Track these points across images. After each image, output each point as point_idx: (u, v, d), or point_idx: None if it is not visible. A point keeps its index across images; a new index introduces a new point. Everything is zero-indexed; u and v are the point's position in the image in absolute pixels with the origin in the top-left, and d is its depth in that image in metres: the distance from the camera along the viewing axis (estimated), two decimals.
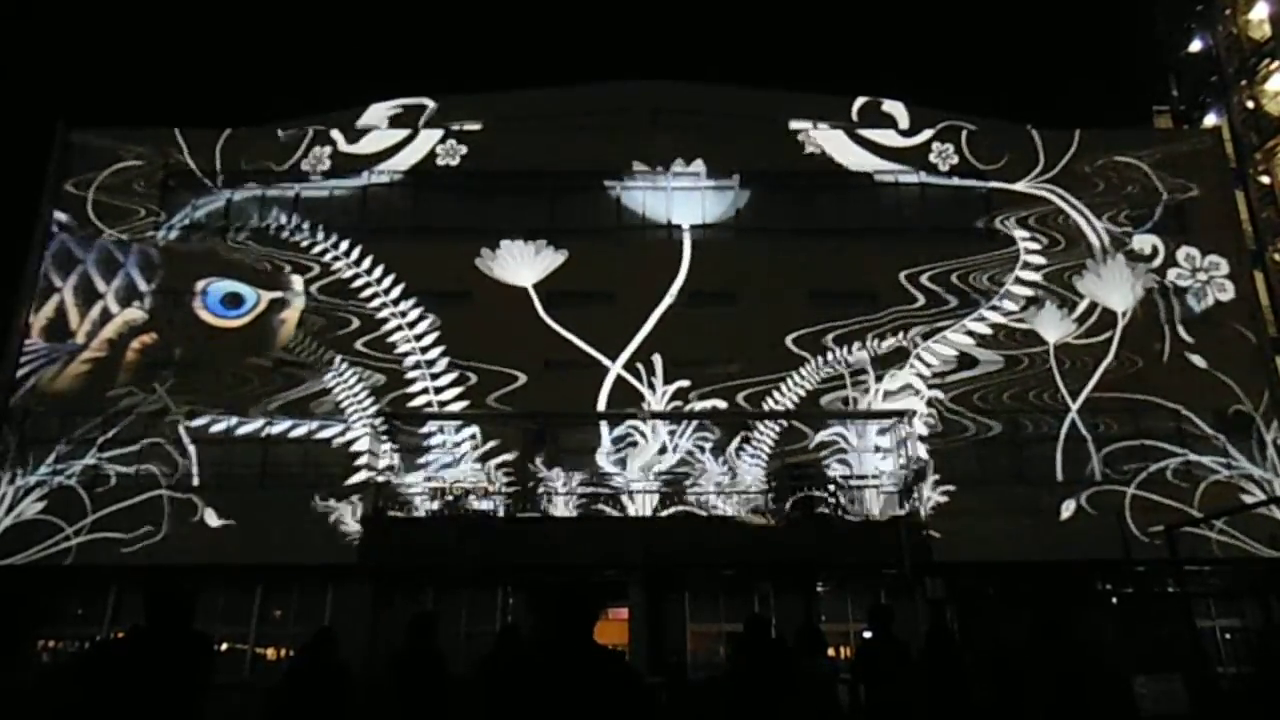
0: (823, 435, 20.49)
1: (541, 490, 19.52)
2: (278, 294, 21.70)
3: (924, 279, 21.86)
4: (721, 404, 20.64)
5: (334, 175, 22.82)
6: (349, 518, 19.23)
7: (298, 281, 21.78)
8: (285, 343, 21.22)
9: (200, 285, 21.69)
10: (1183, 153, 23.48)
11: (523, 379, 20.67)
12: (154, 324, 21.40)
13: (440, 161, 22.92)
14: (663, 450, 20.17)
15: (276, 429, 20.31)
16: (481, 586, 19.16)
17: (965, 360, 21.11)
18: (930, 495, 19.58)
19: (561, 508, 19.48)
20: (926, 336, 21.29)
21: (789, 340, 21.12)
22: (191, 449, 20.01)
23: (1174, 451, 20.31)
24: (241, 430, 20.25)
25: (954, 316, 21.51)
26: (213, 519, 19.22)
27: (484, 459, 19.96)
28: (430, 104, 23.64)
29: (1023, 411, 20.67)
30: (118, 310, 21.49)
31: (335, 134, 23.12)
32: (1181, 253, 22.30)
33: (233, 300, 21.58)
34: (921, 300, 21.65)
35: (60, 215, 22.31)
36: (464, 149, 23.00)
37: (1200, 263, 22.22)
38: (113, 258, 21.97)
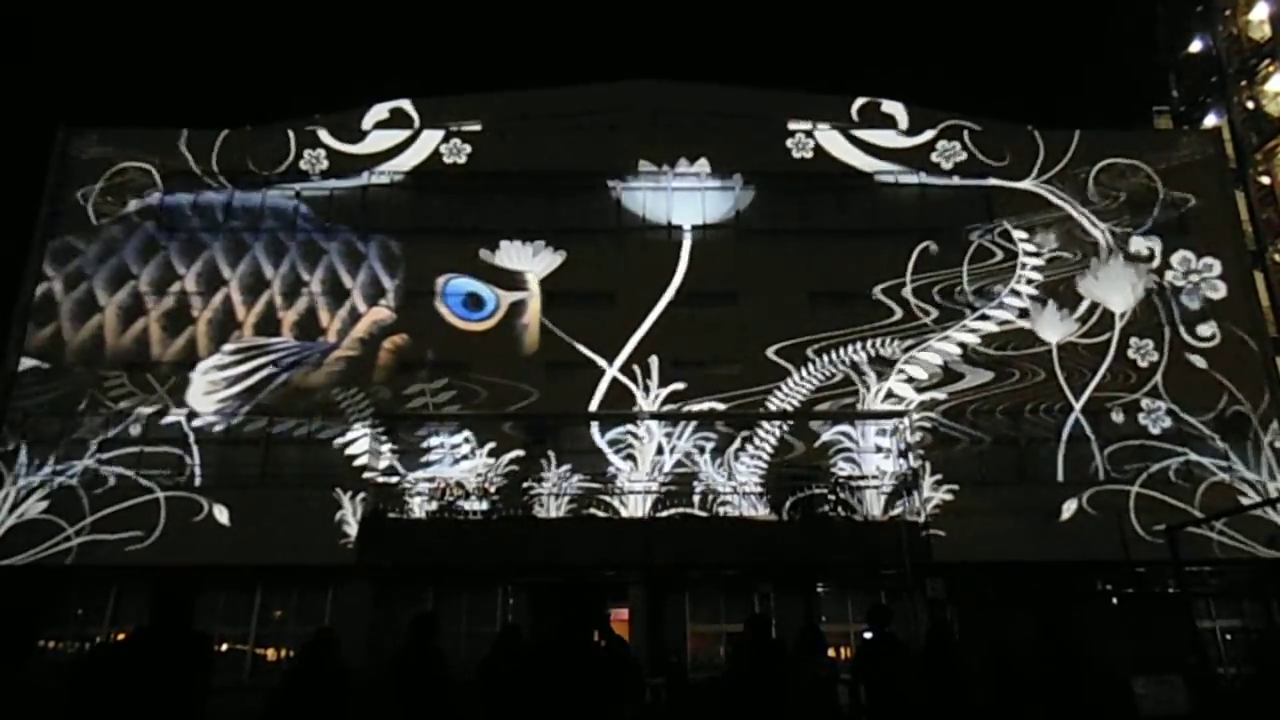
0: (824, 436, 20.49)
1: (541, 491, 19.53)
2: (517, 295, 21.60)
3: (924, 280, 21.86)
4: (720, 405, 20.64)
5: (334, 175, 22.81)
6: (349, 518, 19.23)
7: (533, 281, 21.70)
8: (533, 347, 21.13)
9: (440, 283, 21.60)
10: (1183, 153, 23.48)
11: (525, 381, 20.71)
12: (403, 324, 21.28)
13: (447, 160, 22.92)
14: (659, 451, 20.17)
15: (277, 429, 20.31)
16: (481, 587, 19.17)
17: (966, 361, 21.10)
18: (931, 495, 19.58)
19: (561, 508, 19.49)
20: (927, 337, 21.29)
21: (789, 341, 21.12)
22: (195, 448, 20.01)
23: (1174, 452, 20.31)
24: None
25: (954, 317, 21.51)
26: (223, 517, 19.20)
27: (484, 459, 19.95)
28: (430, 105, 23.62)
29: (1023, 412, 20.66)
30: (365, 309, 21.41)
31: (333, 135, 23.11)
32: (1181, 254, 22.30)
33: (474, 302, 21.43)
34: (922, 301, 21.65)
35: (303, 208, 22.29)
36: (469, 147, 23.01)
37: (1200, 263, 22.22)
38: (355, 250, 21.90)
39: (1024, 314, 21.58)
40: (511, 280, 21.72)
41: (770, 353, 21.03)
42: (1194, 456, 20.29)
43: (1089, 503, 19.73)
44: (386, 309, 21.39)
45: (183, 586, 4.60)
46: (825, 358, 21.05)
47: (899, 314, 21.52)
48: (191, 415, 20.29)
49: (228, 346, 20.93)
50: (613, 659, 4.03)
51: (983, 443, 20.42)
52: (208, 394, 20.46)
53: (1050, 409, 20.67)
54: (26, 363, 20.61)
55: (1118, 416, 20.64)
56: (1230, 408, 20.77)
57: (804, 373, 20.90)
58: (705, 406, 20.60)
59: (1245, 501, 19.33)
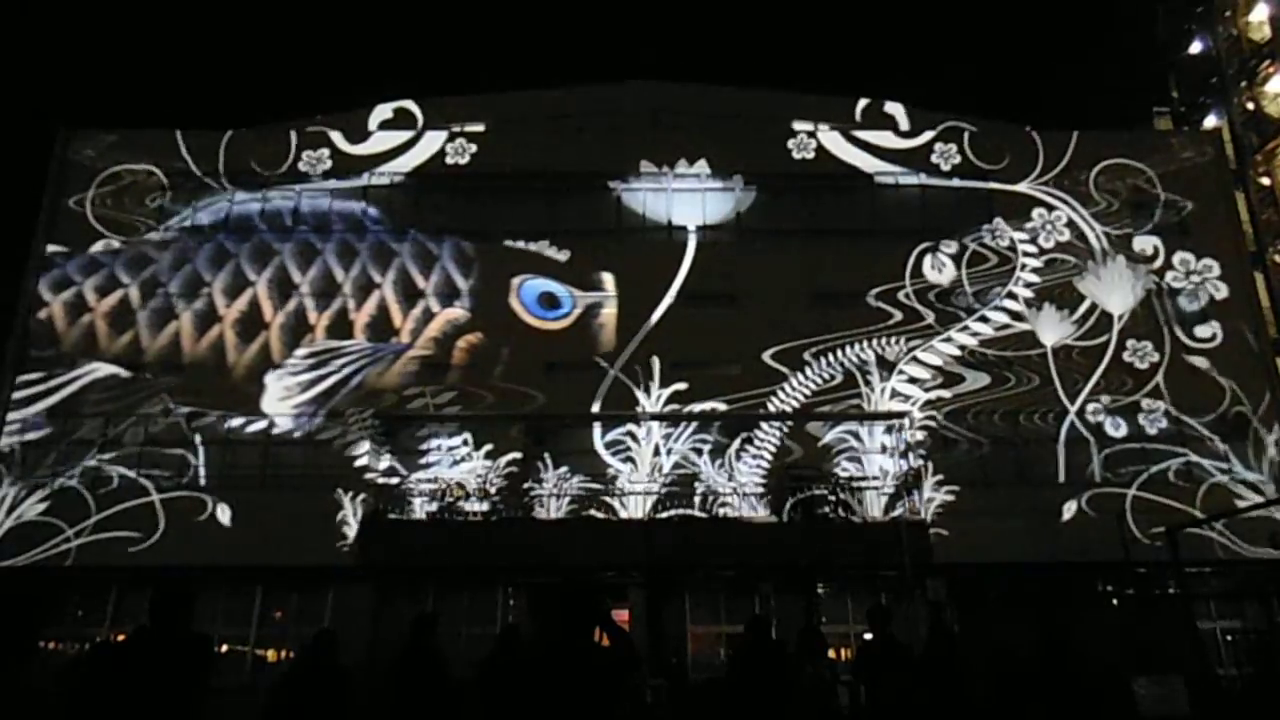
0: (826, 437, 20.48)
1: (541, 492, 19.53)
2: (594, 296, 21.58)
3: (924, 280, 21.86)
4: (722, 406, 20.64)
5: (336, 176, 22.81)
6: (350, 519, 19.23)
7: (610, 282, 21.69)
8: (609, 346, 21.11)
9: (515, 283, 21.58)
10: (1183, 155, 23.47)
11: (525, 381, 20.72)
12: (476, 323, 21.26)
13: (450, 160, 22.93)
14: (657, 453, 20.15)
15: (278, 429, 20.32)
16: (481, 588, 19.17)
17: (965, 363, 21.10)
18: (932, 496, 19.58)
19: (562, 510, 19.50)
20: (928, 338, 21.28)
21: (790, 342, 21.12)
22: (200, 449, 20.00)
23: (1175, 453, 20.29)
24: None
25: (955, 318, 21.51)
26: (225, 518, 19.20)
27: (484, 460, 19.95)
28: (432, 105, 23.63)
29: (1022, 413, 20.65)
30: (439, 309, 21.38)
31: (336, 134, 23.13)
32: (1181, 255, 22.30)
33: (549, 301, 21.38)
34: (922, 303, 21.64)
35: (372, 210, 22.30)
36: (473, 147, 23.02)
37: (1199, 264, 22.21)
38: (428, 252, 21.88)
39: (1023, 316, 21.56)
40: (589, 281, 21.69)
41: (771, 354, 21.03)
42: (1194, 457, 20.28)
43: (1089, 504, 19.73)
44: (460, 309, 21.34)
45: (181, 587, 4.60)
46: (826, 359, 21.05)
47: (899, 315, 21.51)
48: (270, 424, 20.22)
49: (300, 351, 20.89)
50: (615, 657, 4.02)
51: (983, 444, 20.41)
52: (283, 399, 20.41)
53: (1049, 410, 20.66)
54: (104, 369, 20.56)
55: (1117, 418, 20.62)
56: (1231, 409, 20.76)
57: (805, 374, 20.90)
58: (707, 407, 20.60)
59: (1245, 502, 19.31)
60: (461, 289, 21.58)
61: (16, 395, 20.35)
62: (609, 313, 21.42)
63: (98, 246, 21.86)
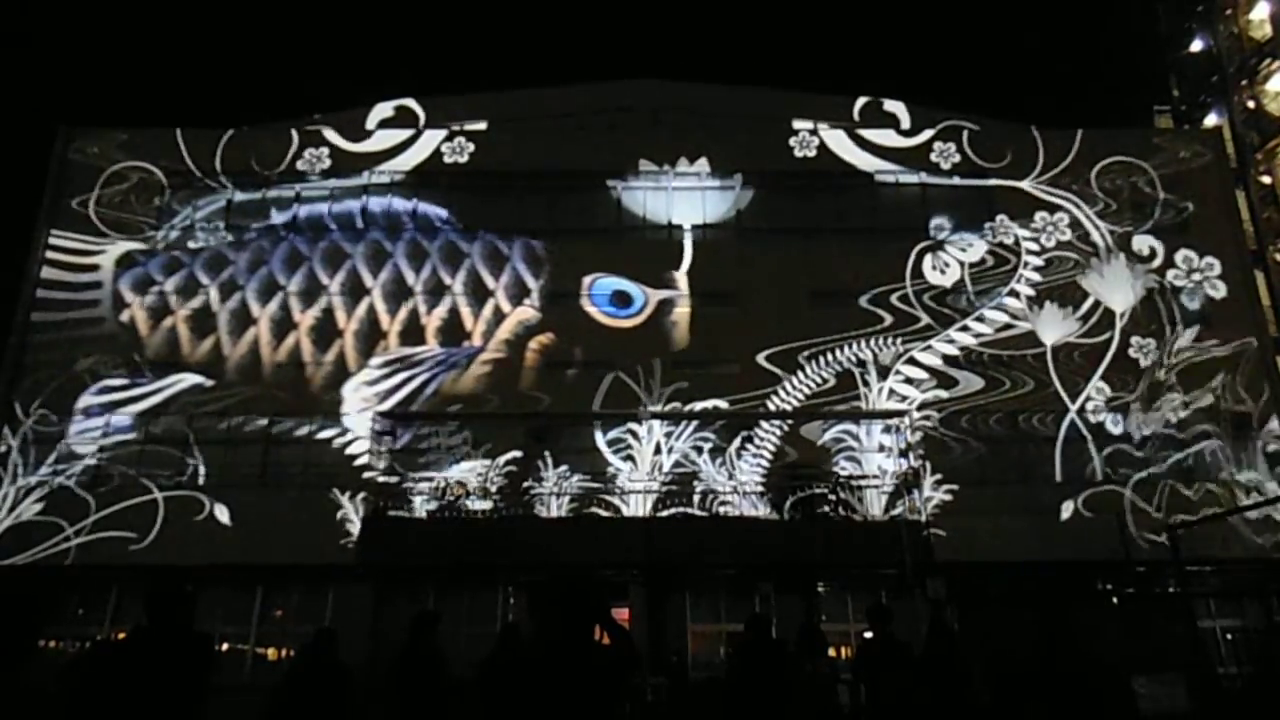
0: (826, 436, 20.47)
1: (542, 491, 19.54)
2: (666, 293, 21.51)
3: (925, 279, 21.85)
4: (722, 404, 20.64)
5: (336, 175, 22.80)
6: (351, 518, 19.23)
7: (682, 280, 21.64)
8: (682, 344, 21.06)
9: (587, 282, 21.56)
10: (1183, 153, 23.43)
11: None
12: (548, 323, 21.22)
13: (448, 159, 22.92)
14: (658, 451, 20.15)
15: (278, 429, 20.32)
16: (482, 586, 19.18)
17: (966, 361, 21.09)
18: (932, 495, 19.58)
19: (562, 508, 19.50)
20: (928, 337, 21.28)
21: (790, 341, 21.12)
22: (196, 448, 20.01)
23: (1174, 452, 20.28)
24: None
25: (955, 317, 21.50)
26: (224, 517, 19.20)
27: (484, 459, 19.95)
28: (432, 104, 23.62)
29: (1023, 412, 20.65)
30: (509, 309, 21.34)
31: (336, 133, 23.12)
32: (1182, 253, 22.28)
33: (622, 299, 21.32)
34: (922, 301, 21.63)
35: (440, 210, 22.27)
36: (471, 146, 23.01)
37: (1200, 263, 22.20)
38: (499, 253, 21.85)
39: (1024, 314, 21.56)
40: (660, 278, 21.67)
41: (771, 352, 21.03)
42: (1194, 456, 20.27)
43: (1089, 503, 19.73)
44: (531, 308, 21.30)
45: (177, 584, 4.59)
46: (826, 357, 21.04)
47: (899, 314, 21.50)
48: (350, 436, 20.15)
49: (375, 360, 20.83)
50: (615, 656, 4.02)
51: (983, 442, 20.41)
52: (362, 411, 20.33)
53: (1049, 409, 20.65)
54: (190, 379, 20.60)
55: (1117, 416, 20.62)
56: (1231, 408, 20.74)
57: (804, 373, 20.89)
58: (708, 405, 20.61)
59: (1246, 501, 19.31)
60: (532, 289, 21.54)
61: (102, 399, 20.30)
62: (682, 310, 21.38)
63: (130, 245, 21.85)
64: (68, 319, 21.19)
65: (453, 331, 21.14)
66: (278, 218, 22.29)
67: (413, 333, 21.16)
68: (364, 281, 21.64)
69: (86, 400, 20.30)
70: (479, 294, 21.49)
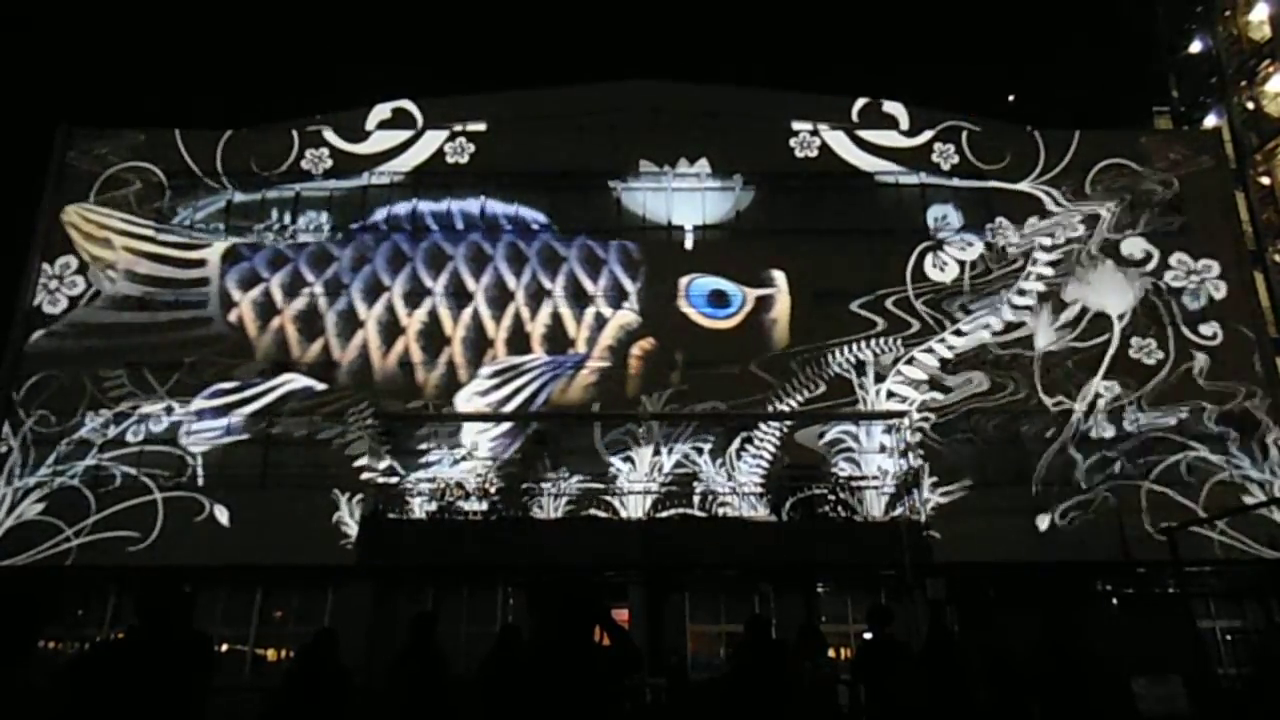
0: (827, 437, 20.46)
1: (542, 491, 19.52)
2: (764, 291, 21.40)
3: (925, 280, 21.84)
4: (721, 405, 20.63)
5: (336, 175, 22.79)
6: (349, 519, 19.22)
7: (780, 278, 21.54)
8: (782, 343, 21.00)
9: (684, 282, 21.48)
10: (1183, 154, 23.43)
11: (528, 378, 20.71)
12: (648, 327, 21.14)
13: (450, 160, 22.91)
14: (657, 452, 20.13)
15: (277, 429, 20.31)
16: (481, 587, 19.18)
17: (966, 362, 21.08)
18: (931, 496, 19.57)
19: (561, 509, 19.49)
20: (928, 338, 21.27)
21: (789, 341, 21.11)
22: (197, 449, 19.99)
23: (1174, 452, 20.27)
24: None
25: (955, 318, 21.49)
26: (224, 518, 19.18)
27: (484, 459, 19.94)
28: (432, 105, 23.61)
29: (1023, 412, 20.64)
30: (610, 314, 21.28)
31: (335, 134, 23.11)
32: (1181, 254, 22.27)
33: (719, 298, 21.19)
34: (923, 301, 21.63)
35: (539, 215, 22.24)
36: (472, 147, 23.00)
37: (1199, 264, 22.19)
38: (594, 255, 21.81)
39: (1025, 315, 21.54)
40: (758, 276, 21.59)
41: (770, 354, 21.03)
42: (1194, 456, 20.26)
43: (1089, 503, 19.71)
44: (631, 312, 21.27)
45: (171, 585, 4.57)
46: (825, 358, 21.02)
47: (898, 316, 21.49)
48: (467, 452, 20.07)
49: (485, 370, 20.80)
50: (615, 656, 4.02)
51: (983, 443, 20.40)
52: (480, 430, 20.24)
53: (1050, 409, 20.64)
54: (300, 381, 20.57)
55: (1117, 416, 20.61)
56: (1231, 407, 20.74)
57: (804, 374, 20.88)
58: (708, 406, 20.60)
59: (1247, 501, 19.31)
60: (630, 291, 21.51)
61: (215, 403, 20.34)
62: (781, 309, 21.28)
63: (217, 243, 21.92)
64: (175, 319, 21.12)
65: (557, 339, 21.10)
66: (379, 214, 22.25)
67: (518, 339, 21.10)
68: (467, 285, 21.57)
69: (200, 403, 20.28)
70: (579, 298, 21.45)
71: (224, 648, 18.67)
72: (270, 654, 19.10)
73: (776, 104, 23.84)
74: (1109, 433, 20.47)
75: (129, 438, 20.02)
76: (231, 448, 20.08)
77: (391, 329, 21.17)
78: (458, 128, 23.21)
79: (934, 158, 23.20)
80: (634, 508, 19.42)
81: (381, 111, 23.45)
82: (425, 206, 22.39)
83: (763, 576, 19.27)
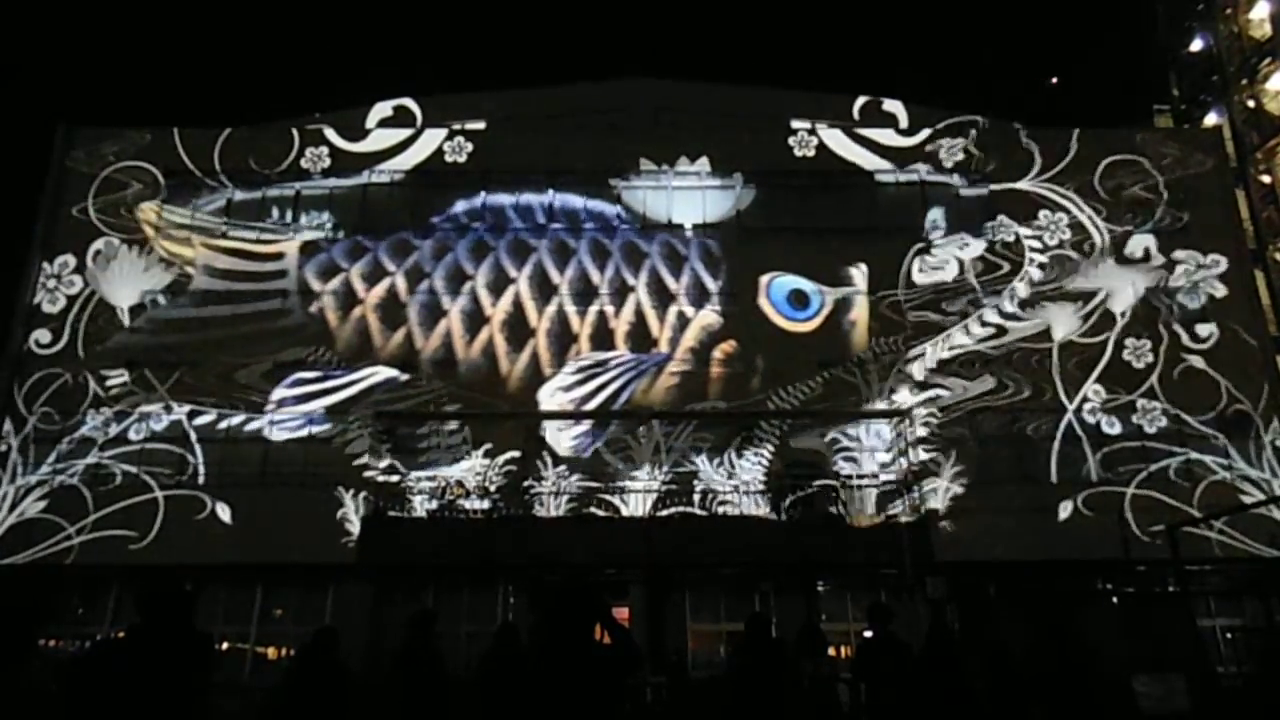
0: (828, 435, 20.45)
1: (541, 490, 19.52)
2: (843, 291, 21.37)
3: (925, 279, 21.82)
4: (721, 404, 20.62)
5: (335, 174, 22.77)
6: (350, 517, 19.22)
7: (859, 278, 21.52)
8: (862, 345, 20.95)
9: (764, 281, 21.44)
10: (1183, 152, 23.39)
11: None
12: (729, 329, 21.10)
13: (449, 158, 22.89)
14: (656, 450, 20.13)
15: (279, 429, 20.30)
16: (482, 586, 19.17)
17: (966, 361, 21.07)
18: (931, 495, 19.57)
19: (561, 508, 19.48)
20: (927, 337, 21.26)
21: (790, 341, 21.11)
22: (198, 447, 19.99)
23: (1174, 451, 20.28)
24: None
25: (955, 317, 21.47)
26: (225, 516, 19.16)
27: (484, 458, 19.93)
28: (432, 103, 23.59)
29: (1023, 412, 20.62)
30: (693, 314, 21.25)
31: (335, 133, 23.09)
32: (1182, 252, 22.25)
33: (799, 299, 21.13)
34: (923, 301, 21.62)
35: (616, 208, 22.25)
36: (470, 145, 22.99)
37: (1200, 262, 22.17)
38: (675, 252, 21.80)
39: (1023, 315, 21.53)
40: (837, 276, 21.55)
41: (771, 353, 21.02)
42: (1194, 455, 20.26)
43: (1089, 502, 19.71)
44: (713, 313, 21.24)
45: (171, 584, 4.57)
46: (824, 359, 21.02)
47: (899, 315, 21.47)
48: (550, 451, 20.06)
49: (569, 366, 20.80)
50: (616, 655, 4.02)
51: (983, 442, 20.39)
52: (560, 428, 20.26)
53: (1049, 409, 20.63)
54: (385, 372, 20.59)
55: (1116, 416, 20.60)
56: (1230, 406, 20.73)
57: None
58: (708, 405, 20.60)
59: (1246, 500, 19.30)
60: (711, 290, 21.48)
61: (295, 391, 20.37)
62: (861, 310, 21.25)
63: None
64: (255, 310, 21.19)
65: (640, 337, 21.10)
66: (460, 206, 22.24)
67: (602, 335, 21.10)
68: (552, 278, 21.59)
69: (280, 392, 20.29)
70: (662, 296, 21.44)
71: (224, 646, 18.69)
72: (270, 652, 19.11)
73: (777, 103, 23.81)
74: (1109, 431, 20.46)
75: (131, 435, 20.02)
76: (233, 446, 20.07)
77: (475, 319, 21.18)
78: (456, 126, 23.19)
79: (933, 156, 23.16)
80: (635, 506, 19.41)
81: (382, 110, 23.44)
82: (504, 199, 22.39)
83: (763, 575, 19.28)
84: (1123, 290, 21.77)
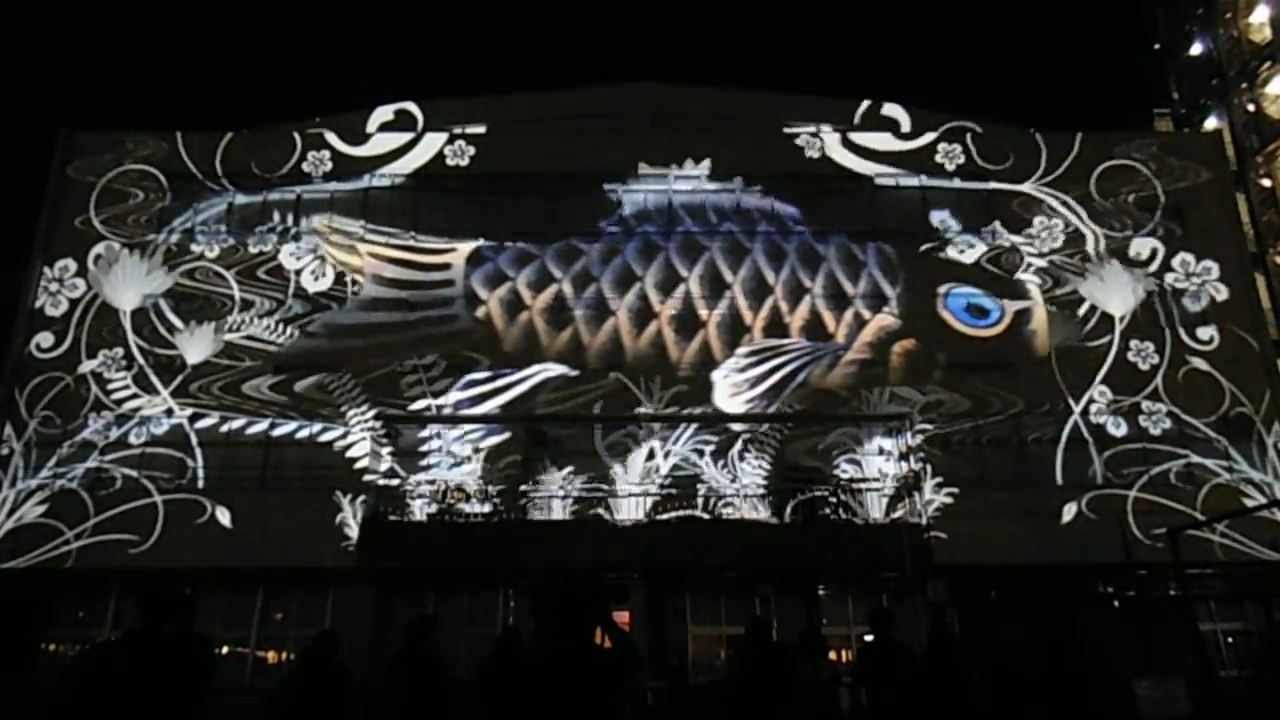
0: (829, 438, 20.45)
1: (542, 493, 19.52)
2: (1021, 304, 21.48)
3: (924, 279, 21.83)
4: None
5: (336, 178, 22.80)
6: (350, 521, 19.22)
7: (1035, 289, 21.65)
8: (1042, 352, 21.05)
9: (942, 290, 21.56)
10: (1183, 156, 23.40)
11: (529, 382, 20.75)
12: (908, 329, 21.21)
13: (450, 162, 22.92)
14: (651, 455, 20.10)
15: (279, 431, 20.30)
16: (482, 589, 19.17)
17: (967, 363, 21.05)
18: (933, 498, 19.55)
19: (562, 511, 19.48)
20: (928, 338, 21.24)
21: (790, 342, 21.12)
22: (198, 451, 19.99)
23: (1176, 454, 20.26)
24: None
25: (956, 318, 21.46)
26: (225, 519, 19.16)
27: (484, 462, 19.93)
28: (432, 107, 23.62)
29: (1024, 415, 20.61)
30: (869, 315, 21.35)
31: (336, 137, 23.13)
32: (1182, 256, 22.25)
33: (978, 311, 21.30)
34: (923, 301, 21.62)
35: (790, 209, 22.34)
36: (472, 149, 23.02)
37: (1200, 266, 22.17)
38: (853, 256, 21.92)
39: (1025, 316, 21.52)
40: (1015, 289, 21.70)
41: (771, 353, 21.03)
42: (1196, 459, 20.24)
43: (1090, 505, 19.69)
44: (891, 316, 21.34)
45: (171, 588, 4.58)
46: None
47: (899, 315, 21.47)
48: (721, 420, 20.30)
49: (741, 349, 20.93)
50: (616, 659, 4.02)
51: (984, 445, 20.39)
52: (733, 396, 20.48)
53: (1050, 412, 20.62)
54: (554, 369, 20.70)
55: (1118, 419, 20.58)
56: (1232, 410, 20.72)
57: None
58: (708, 409, 20.60)
59: (1248, 503, 19.27)
60: (889, 296, 21.59)
61: (469, 394, 20.49)
62: (1040, 319, 21.37)
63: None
64: (423, 317, 21.28)
65: (815, 331, 21.20)
66: (629, 209, 22.38)
67: (776, 328, 21.22)
68: (724, 276, 21.68)
69: (455, 395, 20.40)
70: (838, 299, 21.52)
71: (225, 649, 18.65)
72: (271, 656, 19.09)
73: (777, 107, 23.83)
74: (1111, 434, 20.44)
75: (131, 439, 20.03)
76: (233, 449, 20.07)
77: (644, 315, 21.32)
78: (458, 130, 23.22)
79: (935, 160, 23.17)
80: (635, 510, 19.39)
81: (383, 113, 23.45)
82: (677, 199, 22.50)
83: (764, 578, 19.26)
84: (1123, 293, 21.75)
